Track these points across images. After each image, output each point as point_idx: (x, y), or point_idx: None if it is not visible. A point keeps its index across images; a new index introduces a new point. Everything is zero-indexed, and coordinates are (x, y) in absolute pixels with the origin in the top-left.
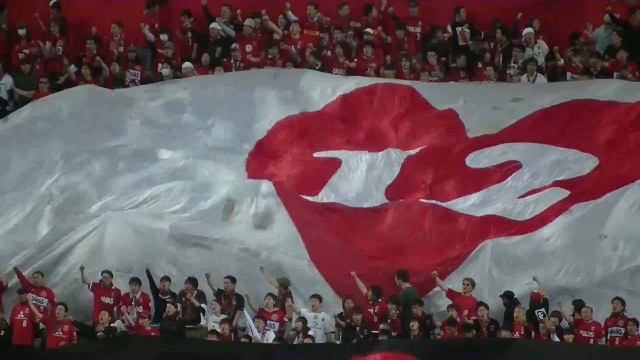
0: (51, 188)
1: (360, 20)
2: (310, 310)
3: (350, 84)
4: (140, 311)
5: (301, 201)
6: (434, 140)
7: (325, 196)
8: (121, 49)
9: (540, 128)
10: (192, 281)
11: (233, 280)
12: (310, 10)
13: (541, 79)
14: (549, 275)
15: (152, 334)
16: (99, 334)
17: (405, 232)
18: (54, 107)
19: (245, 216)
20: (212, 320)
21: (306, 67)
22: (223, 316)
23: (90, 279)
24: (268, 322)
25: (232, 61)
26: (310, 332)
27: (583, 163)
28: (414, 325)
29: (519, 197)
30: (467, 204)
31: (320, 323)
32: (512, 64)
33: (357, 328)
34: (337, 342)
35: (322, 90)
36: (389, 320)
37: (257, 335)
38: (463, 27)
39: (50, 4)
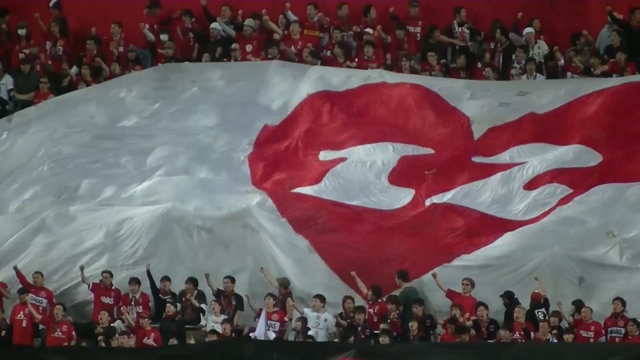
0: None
1: (360, 21)
2: (313, 310)
3: (357, 79)
4: (140, 311)
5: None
6: (441, 137)
7: (328, 181)
8: (121, 49)
9: (545, 128)
10: (192, 281)
11: (232, 280)
12: (310, 10)
13: (540, 78)
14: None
15: (152, 333)
16: (99, 336)
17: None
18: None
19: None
20: (212, 320)
21: None
22: (223, 316)
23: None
24: (268, 322)
25: (232, 61)
26: (312, 332)
27: (587, 157)
28: (413, 325)
29: (524, 188)
30: (470, 196)
31: (323, 323)
32: (515, 65)
33: (359, 328)
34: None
35: (331, 83)
36: (389, 320)
37: (260, 336)
38: (463, 27)
39: (51, 4)
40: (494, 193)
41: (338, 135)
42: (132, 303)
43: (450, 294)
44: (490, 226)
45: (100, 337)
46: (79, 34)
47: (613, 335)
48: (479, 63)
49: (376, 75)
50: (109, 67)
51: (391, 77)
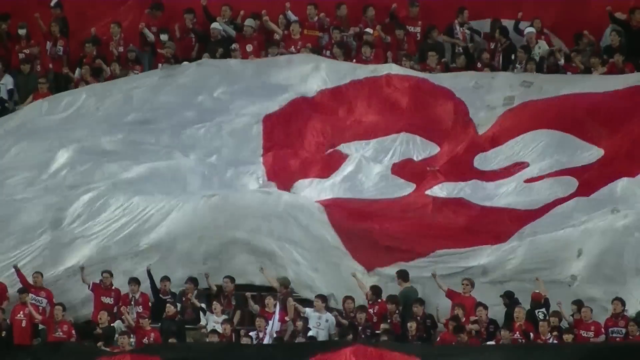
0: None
1: (360, 20)
2: (315, 311)
3: (363, 71)
4: (140, 311)
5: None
6: (444, 131)
7: (337, 175)
8: (121, 49)
9: (547, 113)
10: (193, 281)
11: (232, 280)
12: (310, 10)
13: None
14: None
15: (152, 333)
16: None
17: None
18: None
19: None
20: (212, 321)
21: None
22: (224, 316)
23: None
24: (269, 322)
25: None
26: (313, 332)
27: (589, 152)
28: (412, 326)
29: (525, 181)
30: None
31: (324, 324)
32: (517, 65)
33: (360, 327)
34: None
35: (334, 76)
36: (389, 320)
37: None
38: (463, 27)
39: (52, 3)
40: (494, 193)
41: (345, 130)
42: (132, 303)
43: (450, 293)
44: (495, 221)
45: (99, 343)
46: (80, 34)
47: (614, 335)
48: (478, 63)
49: (383, 69)
50: (109, 66)
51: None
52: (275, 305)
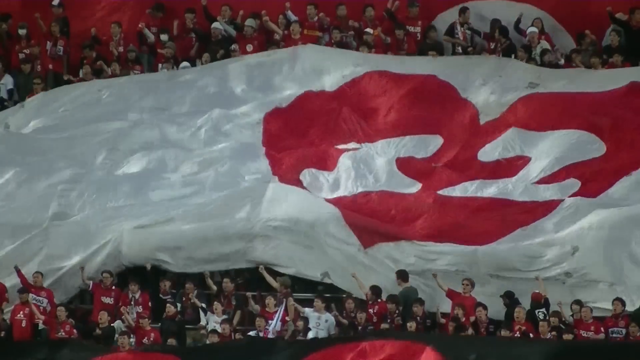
0: None
1: (360, 19)
2: (314, 311)
3: (367, 66)
4: (140, 311)
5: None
6: (448, 126)
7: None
8: (121, 49)
9: (550, 108)
10: (194, 281)
11: (232, 280)
12: (310, 10)
13: None
14: None
15: (152, 333)
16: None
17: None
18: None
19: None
20: (213, 321)
21: None
22: (224, 316)
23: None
24: (269, 322)
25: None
26: (312, 333)
27: (591, 146)
28: (412, 326)
29: (533, 183)
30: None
31: (324, 324)
32: None
33: (360, 327)
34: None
35: (339, 71)
36: (389, 320)
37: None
38: (463, 27)
39: (55, 3)
40: (499, 191)
41: (349, 130)
42: (132, 303)
43: (450, 293)
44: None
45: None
46: (80, 34)
47: (614, 335)
48: None
49: (387, 61)
50: (109, 67)
51: (402, 65)
52: (275, 305)
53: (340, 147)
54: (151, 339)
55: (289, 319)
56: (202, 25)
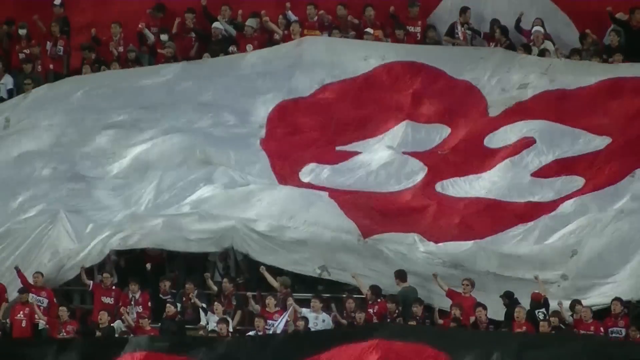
0: None
1: (360, 18)
2: (312, 311)
3: (373, 60)
4: (140, 311)
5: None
6: (456, 116)
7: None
8: (121, 49)
9: (558, 106)
10: (194, 281)
11: (231, 280)
12: (310, 10)
13: None
14: None
15: (152, 333)
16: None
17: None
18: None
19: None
20: (213, 321)
21: None
22: (224, 316)
23: None
24: (269, 321)
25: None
26: None
27: (595, 143)
28: None
29: (532, 175)
30: (480, 185)
31: (321, 324)
32: None
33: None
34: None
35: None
36: (389, 320)
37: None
38: (463, 27)
39: (57, 2)
40: (503, 181)
41: (354, 125)
42: (132, 303)
43: (450, 293)
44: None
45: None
46: (81, 34)
47: (614, 335)
48: None
49: (392, 55)
50: (108, 68)
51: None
52: (276, 305)
53: (342, 147)
54: None
55: (289, 319)
56: (202, 25)
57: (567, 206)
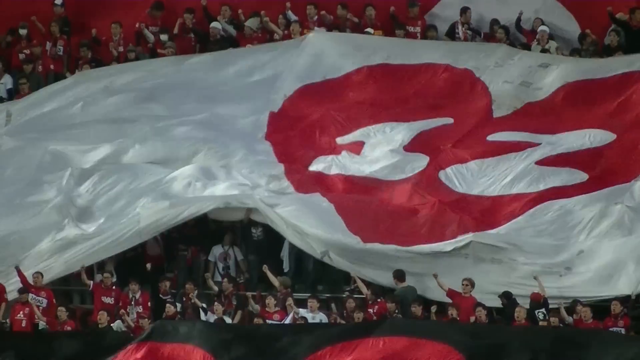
0: None
1: (361, 18)
2: (309, 311)
3: (377, 57)
4: (140, 311)
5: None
6: (460, 109)
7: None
8: (121, 49)
9: (561, 111)
10: (194, 281)
11: (231, 280)
12: (310, 10)
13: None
14: None
15: None
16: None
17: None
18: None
19: None
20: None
21: None
22: (223, 316)
23: None
24: (269, 321)
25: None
26: None
27: (599, 138)
28: None
29: (536, 163)
30: (484, 177)
31: None
32: None
33: None
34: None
35: (347, 59)
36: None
37: None
38: (464, 27)
39: (58, 2)
40: (507, 170)
41: (356, 118)
42: (132, 303)
43: (450, 293)
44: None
45: None
46: (81, 34)
47: None
48: None
49: (397, 52)
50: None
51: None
52: (275, 305)
53: (341, 140)
54: None
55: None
56: (202, 25)
57: (572, 202)
